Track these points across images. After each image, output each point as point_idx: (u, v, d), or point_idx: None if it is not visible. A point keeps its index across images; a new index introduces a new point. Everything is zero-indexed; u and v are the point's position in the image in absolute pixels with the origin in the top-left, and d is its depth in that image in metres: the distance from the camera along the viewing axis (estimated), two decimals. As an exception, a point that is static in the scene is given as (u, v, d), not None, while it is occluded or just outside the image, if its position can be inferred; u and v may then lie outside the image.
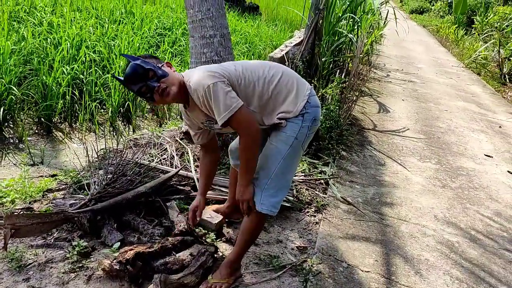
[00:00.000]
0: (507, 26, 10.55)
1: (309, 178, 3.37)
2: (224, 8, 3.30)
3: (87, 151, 3.08)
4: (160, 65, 1.93)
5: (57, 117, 4.19)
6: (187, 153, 3.11)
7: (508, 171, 4.33)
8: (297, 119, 1.98)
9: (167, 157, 3.03)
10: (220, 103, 1.81)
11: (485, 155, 4.71)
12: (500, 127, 5.84)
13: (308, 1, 5.29)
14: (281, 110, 1.98)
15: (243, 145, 1.91)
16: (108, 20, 5.97)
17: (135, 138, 3.51)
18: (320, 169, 3.59)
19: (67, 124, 4.26)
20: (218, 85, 1.81)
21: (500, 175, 4.20)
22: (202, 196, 2.32)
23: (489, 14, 14.71)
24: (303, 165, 3.56)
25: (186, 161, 3.03)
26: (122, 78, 1.89)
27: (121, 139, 3.85)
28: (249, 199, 1.97)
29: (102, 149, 3.43)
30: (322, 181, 3.40)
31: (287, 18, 12.30)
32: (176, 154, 3.05)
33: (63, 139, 4.01)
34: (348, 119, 4.74)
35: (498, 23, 12.44)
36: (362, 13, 6.99)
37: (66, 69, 4.39)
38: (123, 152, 2.95)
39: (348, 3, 6.08)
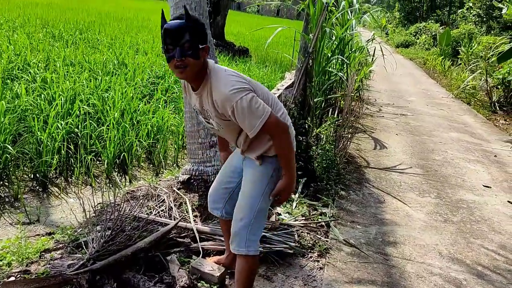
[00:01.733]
0: (492, 55, 10.80)
1: (310, 221, 3.33)
2: (215, 56, 3.37)
3: (83, 207, 3.04)
4: None
5: (52, 172, 4.16)
6: (185, 203, 3.08)
7: (508, 201, 4.31)
8: (276, 159, 2.02)
9: (165, 208, 2.99)
10: (251, 116, 1.84)
11: (483, 185, 4.70)
12: (495, 156, 5.87)
13: (297, 44, 5.41)
14: (269, 146, 2.01)
15: (280, 145, 1.94)
16: (101, 72, 6.06)
17: (132, 191, 3.48)
18: (320, 210, 3.56)
19: (63, 178, 4.23)
20: (247, 99, 1.83)
21: (501, 206, 4.18)
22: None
23: (473, 44, 15.11)
24: (302, 207, 3.53)
25: (185, 212, 2.99)
26: (179, 21, 1.83)
27: (118, 192, 3.82)
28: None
29: (99, 203, 3.39)
30: (323, 223, 3.36)
31: (276, 59, 12.57)
32: (174, 205, 3.02)
33: (59, 194, 3.96)
34: (344, 157, 4.74)
35: (483, 52, 12.77)
36: (350, 52, 7.15)
37: (61, 124, 4.41)
38: (121, 206, 2.92)
39: (337, 43, 6.22)
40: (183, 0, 3.15)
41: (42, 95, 4.85)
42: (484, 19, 21.33)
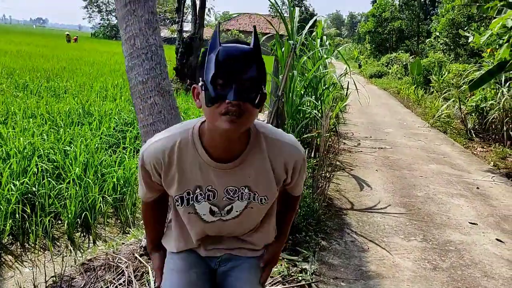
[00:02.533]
0: (463, 83, 10.92)
1: (289, 280, 3.03)
2: (177, 109, 3.12)
3: (34, 283, 2.69)
4: None
5: (6, 239, 3.79)
6: (147, 273, 2.75)
7: (497, 239, 4.10)
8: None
9: (124, 282, 2.66)
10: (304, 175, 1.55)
11: (469, 222, 4.50)
12: (477, 188, 5.71)
13: (269, 85, 5.24)
14: (270, 236, 1.64)
15: (295, 210, 1.69)
16: (64, 123, 5.75)
17: (89, 260, 3.13)
18: (300, 267, 3.27)
19: (19, 244, 3.85)
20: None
21: (490, 245, 3.95)
22: (161, 250, 1.70)
23: (443, 72, 15.38)
24: (281, 264, 3.23)
25: (146, 284, 2.66)
26: (246, 47, 1.22)
27: (76, 259, 3.46)
28: None
29: (52, 276, 3.03)
30: (304, 282, 3.06)
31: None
32: (135, 276, 2.69)
33: (13, 263, 3.58)
34: (323, 201, 4.49)
35: (454, 80, 12.94)
36: (324, 88, 7.04)
37: (16, 185, 4.06)
38: (75, 280, 2.58)
39: (309, 81, 6.09)
40: (138, 50, 2.93)
41: (-4, 153, 4.51)
42: (452, 47, 21.96)
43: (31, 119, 5.76)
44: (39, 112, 6.16)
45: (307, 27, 5.25)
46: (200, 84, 1.22)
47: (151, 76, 2.89)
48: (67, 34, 40.40)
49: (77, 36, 45.16)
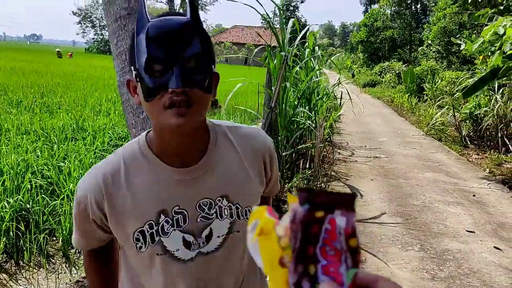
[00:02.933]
0: (456, 91, 10.99)
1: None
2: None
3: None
4: None
5: (0, 257, 3.73)
6: None
7: (495, 247, 4.09)
8: None
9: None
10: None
11: (467, 231, 4.48)
12: (474, 195, 5.70)
13: (262, 96, 5.25)
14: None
15: None
16: (57, 139, 5.72)
17: (83, 277, 3.09)
18: (297, 279, 3.23)
19: (13, 262, 3.79)
20: None
21: (488, 254, 3.94)
22: None
23: (437, 80, 15.49)
24: (277, 278, 3.19)
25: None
26: (182, 18, 0.94)
27: (71, 277, 3.41)
28: None
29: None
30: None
31: (246, 107, 12.48)
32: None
33: (7, 282, 3.52)
34: (319, 212, 4.47)
35: (447, 87, 13.02)
36: (317, 99, 7.05)
37: (9, 202, 4.02)
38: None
39: (302, 91, 6.10)
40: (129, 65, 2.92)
41: (-11, 171, 4.47)
42: (444, 54, 22.16)
43: (24, 136, 5.72)
44: (32, 129, 6.12)
45: (299, 37, 5.27)
46: (133, 74, 0.95)
47: (143, 91, 2.88)
48: (58, 51, 40.40)
49: (71, 52, 45.32)
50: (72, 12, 76.62)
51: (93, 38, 75.86)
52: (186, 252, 1.04)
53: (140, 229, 1.02)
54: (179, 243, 1.04)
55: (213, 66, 1.00)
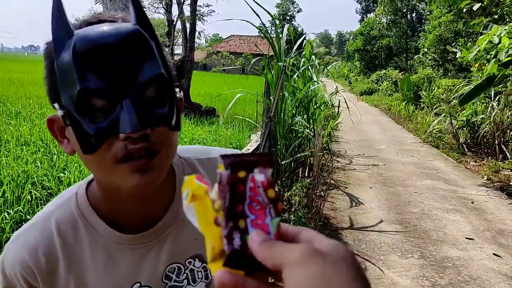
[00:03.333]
0: (453, 98, 11.06)
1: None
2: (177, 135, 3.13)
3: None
4: None
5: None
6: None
7: (494, 254, 4.10)
8: None
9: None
10: None
11: (466, 238, 4.50)
12: (472, 202, 5.73)
13: (260, 106, 5.28)
14: None
15: None
16: (57, 150, 5.74)
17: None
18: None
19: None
20: None
21: (487, 261, 3.95)
22: None
23: (433, 88, 15.59)
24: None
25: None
26: (126, 26, 0.64)
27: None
28: None
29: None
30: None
31: (244, 117, 12.51)
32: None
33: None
34: (319, 221, 4.49)
35: (444, 95, 13.11)
36: (315, 107, 7.09)
37: (10, 213, 4.03)
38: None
39: (300, 100, 6.14)
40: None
41: (-11, 182, 4.48)
42: (440, 62, 22.32)
43: (24, 147, 5.74)
44: (32, 140, 6.14)
45: (295, 46, 5.33)
46: (59, 113, 0.65)
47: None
48: None
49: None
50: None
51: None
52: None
53: None
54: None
55: (176, 89, 0.71)
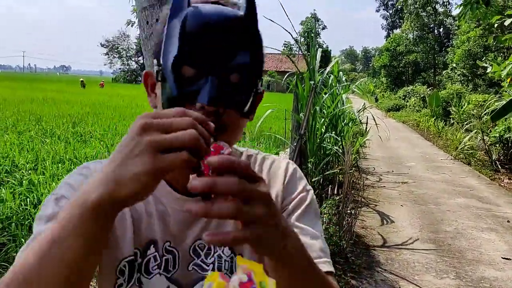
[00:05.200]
0: (485, 114, 10.84)
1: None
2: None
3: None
4: None
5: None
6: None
7: (534, 275, 3.97)
8: None
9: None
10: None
11: (502, 258, 4.37)
12: (508, 221, 5.57)
13: (289, 122, 5.32)
14: None
15: None
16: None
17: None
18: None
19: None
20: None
21: (527, 282, 3.83)
22: None
23: (463, 103, 15.31)
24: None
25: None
26: (233, 10, 0.70)
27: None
28: None
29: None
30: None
31: (270, 134, 12.54)
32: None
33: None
34: (350, 239, 4.44)
35: (475, 111, 12.85)
36: (343, 125, 7.08)
37: (46, 229, 4.16)
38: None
39: (329, 119, 6.15)
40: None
41: (28, 199, 4.63)
42: (469, 77, 21.95)
43: (59, 165, 5.92)
44: (67, 157, 6.33)
45: (328, 68, 5.38)
46: (155, 69, 0.72)
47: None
48: (81, 81, 39.86)
49: (103, 81, 46.92)
50: (100, 43, 79.35)
51: (119, 68, 78.19)
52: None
53: (130, 257, 0.77)
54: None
55: (259, 83, 0.76)
